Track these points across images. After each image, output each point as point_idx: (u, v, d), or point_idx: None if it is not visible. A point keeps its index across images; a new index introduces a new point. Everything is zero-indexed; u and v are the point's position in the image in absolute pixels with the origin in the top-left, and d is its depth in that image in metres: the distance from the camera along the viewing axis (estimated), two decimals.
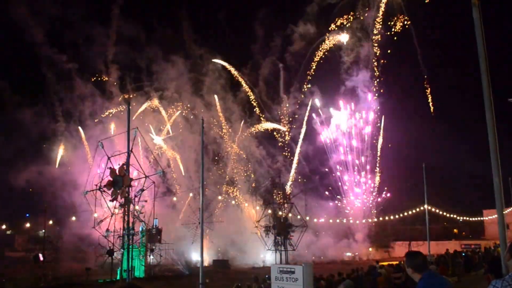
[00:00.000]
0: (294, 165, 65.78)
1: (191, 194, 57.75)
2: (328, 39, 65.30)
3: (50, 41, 55.77)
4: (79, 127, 60.47)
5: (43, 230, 54.62)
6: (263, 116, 67.12)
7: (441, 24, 64.70)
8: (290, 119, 68.11)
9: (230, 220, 55.39)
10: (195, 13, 64.37)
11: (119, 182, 29.09)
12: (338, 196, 67.72)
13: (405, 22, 61.09)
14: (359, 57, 64.96)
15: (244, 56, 66.95)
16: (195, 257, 50.57)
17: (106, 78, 60.13)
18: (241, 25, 69.66)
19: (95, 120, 59.75)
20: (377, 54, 64.43)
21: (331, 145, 67.81)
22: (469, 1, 9.31)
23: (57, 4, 54.22)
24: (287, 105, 67.78)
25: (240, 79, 66.43)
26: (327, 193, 67.44)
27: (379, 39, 63.87)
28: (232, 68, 65.53)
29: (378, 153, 67.01)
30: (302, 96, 67.22)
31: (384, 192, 67.37)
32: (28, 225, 57.87)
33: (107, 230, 30.00)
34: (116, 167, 28.04)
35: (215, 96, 63.50)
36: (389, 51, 63.21)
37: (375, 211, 67.28)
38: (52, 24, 55.66)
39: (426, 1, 57.30)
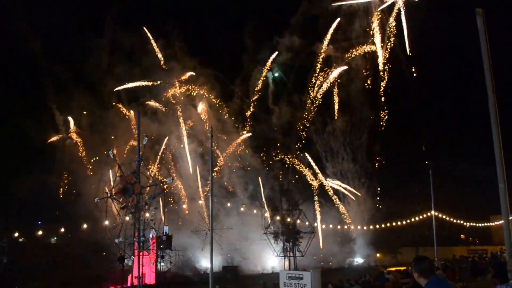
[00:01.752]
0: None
1: (200, 202, 58.00)
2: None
3: (47, 52, 56.25)
4: (80, 137, 61.04)
5: (55, 238, 54.99)
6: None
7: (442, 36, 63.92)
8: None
9: (237, 226, 55.51)
10: (185, 25, 64.12)
11: (129, 190, 29.53)
12: (342, 202, 66.97)
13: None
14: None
15: (235, 67, 66.41)
16: (204, 263, 50.79)
17: (103, 88, 60.20)
18: (231, 36, 69.72)
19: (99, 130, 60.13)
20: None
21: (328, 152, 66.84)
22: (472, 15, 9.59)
23: (52, 15, 54.68)
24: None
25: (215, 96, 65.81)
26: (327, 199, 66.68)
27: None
28: (214, 91, 64.76)
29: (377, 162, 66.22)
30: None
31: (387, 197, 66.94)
32: (40, 232, 58.31)
33: (118, 236, 30.43)
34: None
35: (203, 105, 63.11)
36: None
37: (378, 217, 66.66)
38: (48, 34, 56.11)
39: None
